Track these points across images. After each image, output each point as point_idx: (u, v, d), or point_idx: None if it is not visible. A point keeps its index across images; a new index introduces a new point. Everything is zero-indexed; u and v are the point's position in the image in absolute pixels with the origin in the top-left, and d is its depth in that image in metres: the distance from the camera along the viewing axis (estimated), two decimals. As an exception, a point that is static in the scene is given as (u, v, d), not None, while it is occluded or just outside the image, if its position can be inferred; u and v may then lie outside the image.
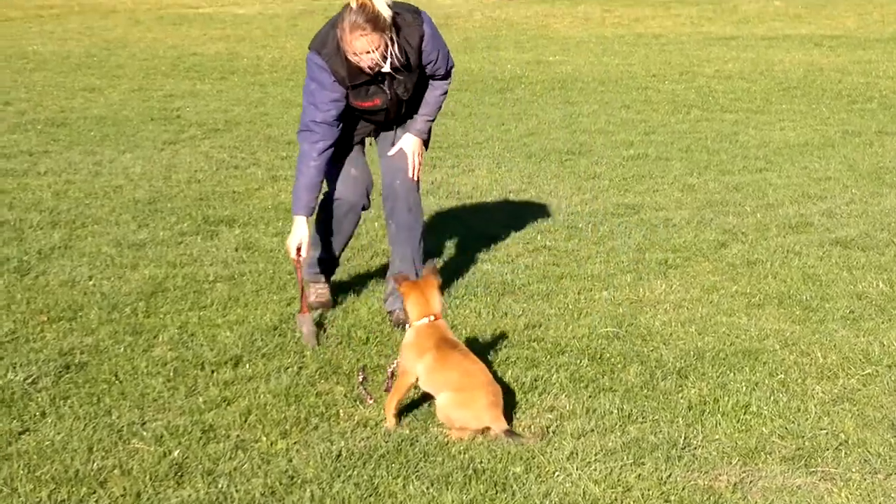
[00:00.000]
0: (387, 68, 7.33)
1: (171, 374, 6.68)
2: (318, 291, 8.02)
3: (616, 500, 5.36)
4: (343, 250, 8.16)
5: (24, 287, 8.19)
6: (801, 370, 6.97)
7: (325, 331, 7.44)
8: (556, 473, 5.58)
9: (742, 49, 25.65)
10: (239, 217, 10.31)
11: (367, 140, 8.00)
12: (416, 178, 7.81)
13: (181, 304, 7.87)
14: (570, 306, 8.09)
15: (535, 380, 6.71)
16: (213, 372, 6.73)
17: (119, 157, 13.15)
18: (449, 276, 8.64)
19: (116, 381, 6.53)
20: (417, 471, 5.57)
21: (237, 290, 8.22)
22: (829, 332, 7.64)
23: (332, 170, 7.77)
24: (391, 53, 7.29)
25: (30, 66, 21.57)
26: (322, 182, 7.61)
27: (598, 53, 24.54)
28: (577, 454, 5.78)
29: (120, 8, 33.80)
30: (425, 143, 7.91)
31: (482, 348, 7.14)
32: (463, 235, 9.87)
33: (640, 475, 5.59)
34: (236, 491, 5.32)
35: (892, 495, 5.48)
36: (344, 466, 5.59)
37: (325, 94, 7.38)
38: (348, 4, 7.14)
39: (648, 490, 5.44)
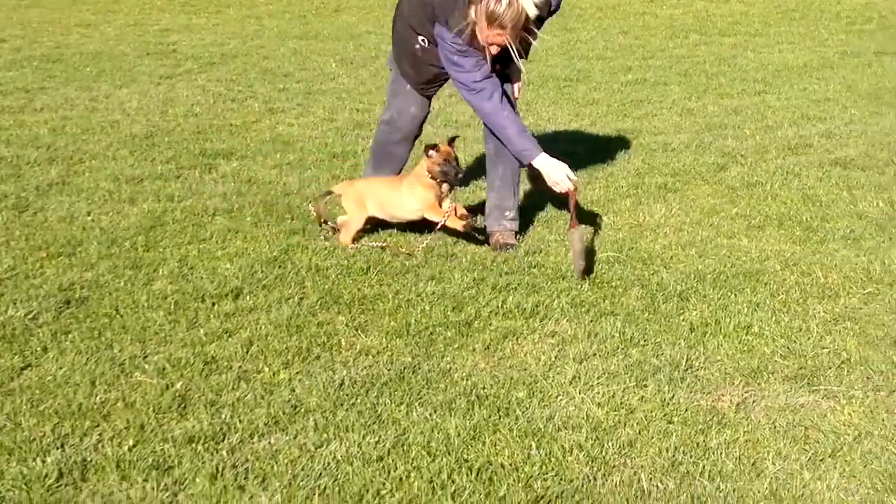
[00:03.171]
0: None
1: (172, 307, 6.66)
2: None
3: (619, 422, 5.36)
4: None
5: (22, 223, 8.16)
6: (803, 290, 6.97)
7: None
8: (559, 397, 5.58)
9: (739, -28, 25.50)
10: (237, 150, 10.28)
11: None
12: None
13: (180, 238, 7.84)
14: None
15: (537, 305, 6.70)
16: (213, 304, 6.72)
17: (115, 92, 13.09)
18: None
19: (117, 316, 6.52)
20: (420, 398, 5.57)
21: (236, 222, 8.19)
22: (829, 251, 7.64)
23: (396, 101, 8.01)
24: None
25: (25, 2, 21.45)
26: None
27: (594, -21, 24.41)
28: (579, 378, 5.78)
29: (112, -57, 33.55)
30: None
31: (482, 275, 7.13)
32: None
33: (642, 397, 5.59)
34: (240, 421, 5.31)
35: (895, 411, 5.48)
36: (347, 395, 5.59)
37: (470, 60, 7.38)
38: None
39: (651, 412, 5.45)
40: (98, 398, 5.50)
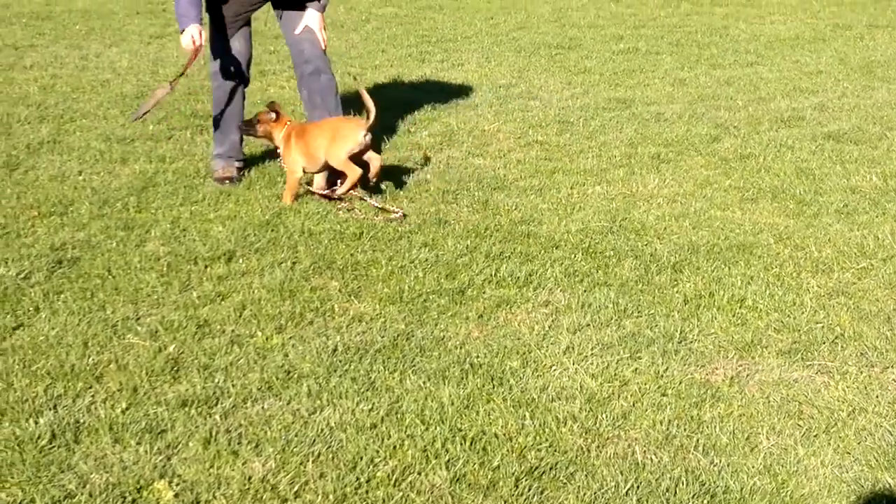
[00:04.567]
0: None
1: (165, 269, 6.63)
2: (225, 167, 8.40)
3: (613, 394, 5.35)
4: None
5: (13, 182, 8.12)
6: (796, 264, 6.96)
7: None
8: (553, 368, 5.57)
9: (731, -58, 25.44)
10: (228, 111, 10.22)
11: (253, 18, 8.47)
12: (324, 47, 8.39)
13: (172, 199, 7.81)
14: (563, 201, 8.05)
15: (530, 274, 6.69)
16: (206, 267, 6.69)
17: (105, 51, 13.03)
18: (441, 171, 8.61)
19: (110, 277, 6.49)
20: (414, 365, 5.55)
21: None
22: (823, 225, 7.63)
23: (216, 45, 8.28)
24: None
25: (12, -41, 21.31)
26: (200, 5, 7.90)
27: (586, -54, 24.32)
28: (573, 348, 5.77)
29: None
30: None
31: (475, 243, 7.11)
32: (453, 130, 9.81)
33: (636, 369, 5.58)
34: (233, 386, 5.29)
35: (889, 388, 5.49)
36: (340, 361, 5.57)
37: None
38: None
39: (645, 384, 5.44)
40: (91, 359, 5.48)
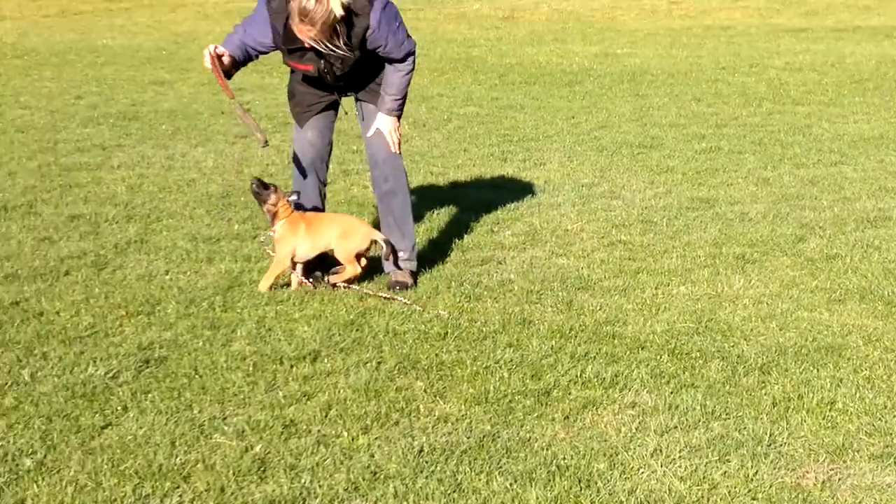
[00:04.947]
0: (324, 50, 7.70)
1: (251, 368, 6.67)
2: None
3: (702, 497, 5.29)
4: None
5: (101, 281, 8.21)
6: (887, 366, 6.87)
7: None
8: (641, 470, 5.52)
9: (812, 41, 25.46)
10: (312, 211, 10.30)
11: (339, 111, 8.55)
12: (396, 151, 8.30)
13: (258, 299, 7.86)
14: (648, 301, 8.02)
15: (616, 375, 6.65)
16: (291, 366, 6.72)
17: (191, 150, 13.20)
18: (524, 271, 8.62)
19: (196, 376, 6.53)
20: (500, 467, 5.52)
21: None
22: (913, 328, 7.54)
23: (297, 133, 8.41)
24: (332, 45, 7.66)
25: (100, 59, 21.70)
26: (237, 53, 8.03)
27: (666, 46, 24.41)
28: (661, 451, 5.72)
29: (188, 2, 33.95)
30: (399, 116, 8.31)
31: (560, 343, 7.09)
32: (536, 230, 9.82)
33: (725, 472, 5.51)
34: (319, 486, 5.29)
35: (985, 494, 5.39)
36: (426, 462, 5.55)
37: (255, 32, 7.93)
38: None
39: (735, 487, 5.37)
40: (178, 459, 5.50)
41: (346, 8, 7.49)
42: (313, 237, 8.08)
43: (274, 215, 8.09)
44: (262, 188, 8.08)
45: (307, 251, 8.11)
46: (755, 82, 19.34)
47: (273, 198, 8.06)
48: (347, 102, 8.46)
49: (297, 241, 8.05)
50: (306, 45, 7.65)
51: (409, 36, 7.97)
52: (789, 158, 13.05)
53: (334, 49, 7.64)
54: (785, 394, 6.44)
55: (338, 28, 7.57)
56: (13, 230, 9.55)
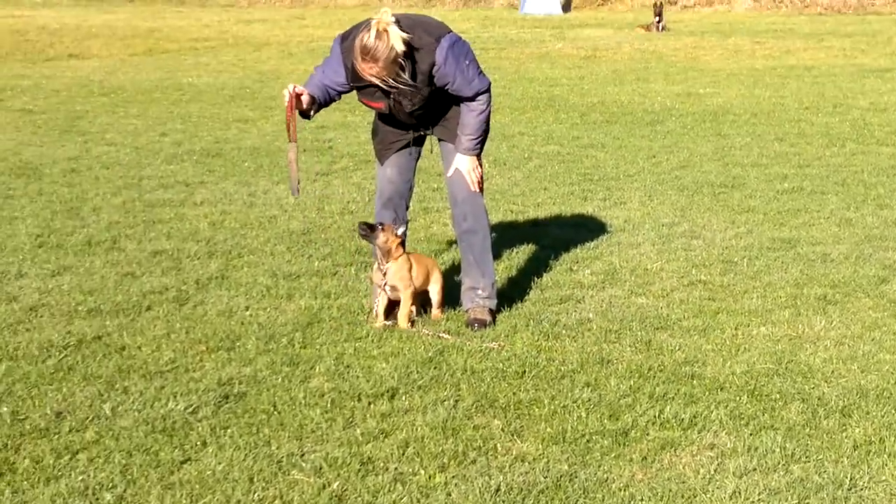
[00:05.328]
0: (388, 87, 7.75)
1: (329, 405, 6.70)
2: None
3: (781, 541, 5.25)
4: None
5: (182, 316, 8.30)
6: (970, 411, 6.79)
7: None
8: (719, 513, 5.49)
9: (897, 81, 25.21)
10: (392, 249, 10.34)
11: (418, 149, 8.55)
12: (475, 190, 8.30)
13: (337, 336, 7.90)
14: (728, 342, 7.98)
15: (695, 416, 6.62)
16: (369, 404, 6.74)
17: (273, 188, 13.30)
18: (603, 310, 8.59)
19: (275, 412, 6.57)
20: (577, 507, 5.52)
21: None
22: None
23: (378, 171, 8.53)
24: (397, 82, 7.69)
25: (185, 97, 21.91)
26: (318, 94, 8.10)
27: (749, 85, 24.25)
28: (739, 493, 5.68)
29: (272, 41, 34.20)
30: (478, 155, 8.33)
31: (639, 383, 7.07)
32: (615, 269, 9.79)
33: (805, 516, 5.47)
34: (396, 524, 5.31)
35: None
36: (503, 501, 5.55)
37: (331, 72, 7.99)
38: (370, 20, 7.54)
39: (815, 532, 5.33)
40: (256, 495, 5.54)
41: (406, 43, 7.56)
42: (417, 275, 8.22)
43: (387, 252, 8.14)
44: (368, 230, 8.13)
45: (415, 289, 8.24)
46: (839, 122, 19.17)
47: (382, 237, 8.10)
48: (431, 141, 8.50)
49: (413, 276, 8.21)
50: (372, 82, 7.72)
51: (481, 74, 7.98)
52: (873, 199, 12.92)
53: (399, 85, 7.69)
54: (866, 437, 6.37)
55: (402, 64, 7.62)
56: (97, 265, 9.68)
